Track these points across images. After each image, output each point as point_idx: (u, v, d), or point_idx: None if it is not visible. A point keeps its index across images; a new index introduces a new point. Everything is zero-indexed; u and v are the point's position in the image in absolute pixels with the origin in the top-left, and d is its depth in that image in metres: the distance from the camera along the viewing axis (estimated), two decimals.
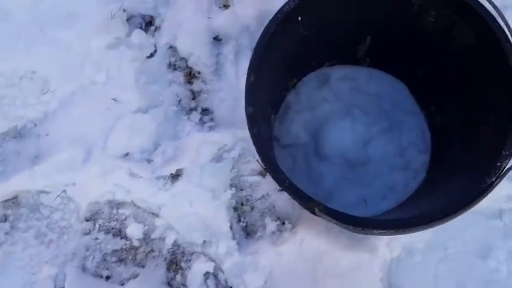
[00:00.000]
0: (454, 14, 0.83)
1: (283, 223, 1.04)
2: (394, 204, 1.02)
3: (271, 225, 1.04)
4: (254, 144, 0.75)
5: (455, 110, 0.94)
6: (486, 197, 1.01)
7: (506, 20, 0.76)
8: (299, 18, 0.84)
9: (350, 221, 0.71)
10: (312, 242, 1.01)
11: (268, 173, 0.90)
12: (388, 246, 1.01)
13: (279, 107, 1.07)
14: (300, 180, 1.02)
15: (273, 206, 1.06)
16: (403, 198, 1.02)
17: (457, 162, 0.92)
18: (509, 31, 0.76)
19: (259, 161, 0.76)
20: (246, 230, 1.05)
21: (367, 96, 1.07)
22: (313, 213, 0.72)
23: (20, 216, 1.05)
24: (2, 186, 1.06)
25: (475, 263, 1.01)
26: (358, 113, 1.05)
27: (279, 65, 0.93)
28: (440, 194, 0.90)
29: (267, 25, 0.79)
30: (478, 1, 0.79)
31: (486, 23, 0.78)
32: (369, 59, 1.06)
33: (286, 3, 0.80)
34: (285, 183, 0.73)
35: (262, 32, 0.79)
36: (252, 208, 1.06)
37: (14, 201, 1.06)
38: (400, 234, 0.71)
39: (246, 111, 0.76)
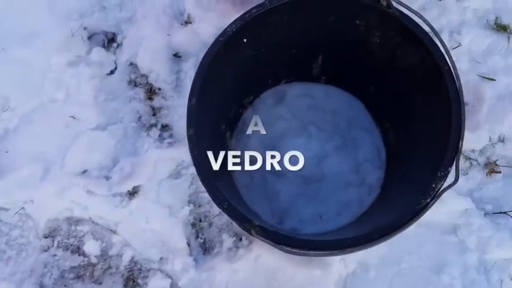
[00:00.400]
0: (396, 35, 0.84)
1: (240, 239, 1.05)
2: (349, 220, 1.03)
3: (229, 241, 1.05)
4: (194, 165, 0.76)
5: (405, 127, 0.96)
6: (442, 213, 1.04)
7: (443, 42, 0.78)
8: (244, 40, 0.85)
9: (285, 242, 0.72)
10: (267, 259, 1.02)
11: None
12: (343, 261, 1.02)
13: (236, 124, 1.08)
14: (257, 197, 1.04)
15: (231, 222, 1.06)
16: (358, 213, 1.03)
17: (406, 179, 0.93)
18: (446, 53, 0.78)
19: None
20: (204, 246, 1.06)
21: (323, 113, 1.08)
22: (251, 234, 0.73)
23: None
24: None
25: (429, 278, 1.02)
26: (313, 130, 1.06)
27: (231, 84, 0.94)
28: (391, 211, 0.91)
29: (208, 48, 0.80)
30: (417, 24, 0.80)
31: (425, 44, 0.79)
32: (324, 76, 1.07)
33: (228, 26, 0.81)
34: (224, 205, 0.74)
35: (204, 56, 0.80)
36: (210, 224, 1.07)
37: None
38: (337, 255, 0.72)
39: (187, 133, 0.77)
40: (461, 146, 0.74)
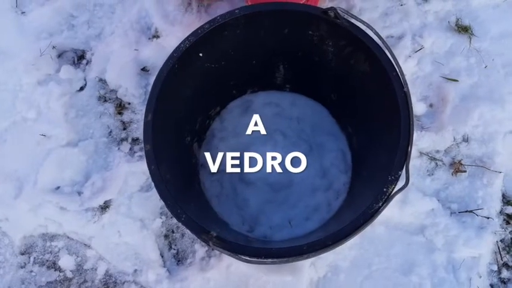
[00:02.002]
0: (347, 44, 0.86)
1: (213, 249, 1.07)
2: (318, 224, 1.05)
3: (201, 251, 1.07)
4: (152, 180, 0.78)
5: (364, 132, 0.97)
6: (408, 214, 1.06)
7: (391, 51, 0.80)
8: (200, 54, 0.87)
9: (242, 252, 0.73)
10: (238, 267, 1.03)
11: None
12: (314, 266, 1.04)
13: (204, 135, 1.10)
14: (227, 206, 1.06)
15: None
16: (327, 218, 1.05)
17: (367, 184, 0.94)
18: (393, 59, 0.80)
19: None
20: (177, 257, 1.07)
21: (289, 121, 1.10)
22: (209, 245, 0.75)
23: None
24: None
25: (399, 279, 1.03)
26: (279, 137, 1.08)
27: (192, 97, 0.96)
28: (356, 214, 0.93)
29: (163, 64, 0.82)
30: (365, 33, 0.82)
31: (373, 52, 0.81)
32: (288, 85, 1.09)
33: (181, 42, 0.83)
34: (182, 218, 0.76)
35: (158, 72, 0.82)
36: (183, 235, 1.09)
37: None
38: (292, 261, 0.73)
39: (144, 149, 0.79)
40: (411, 150, 0.76)
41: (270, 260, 0.75)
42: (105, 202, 1.08)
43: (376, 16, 1.22)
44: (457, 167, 1.09)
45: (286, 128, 1.09)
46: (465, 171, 1.09)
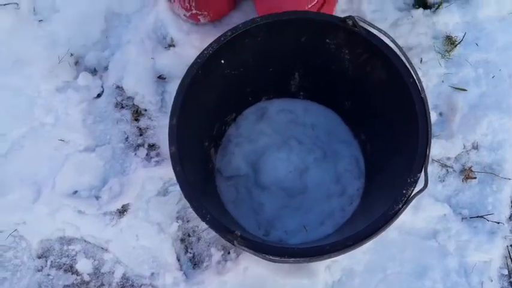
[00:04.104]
0: (364, 52, 0.89)
1: (229, 252, 1.09)
2: (332, 229, 1.07)
3: (217, 254, 1.08)
4: (177, 181, 0.80)
5: (379, 139, 1.00)
6: (421, 219, 1.08)
7: (408, 58, 0.83)
8: (222, 61, 0.90)
9: (265, 251, 0.75)
10: (255, 270, 1.05)
11: None
12: (328, 270, 1.06)
13: (221, 141, 1.12)
14: (243, 211, 1.08)
15: (219, 236, 1.10)
16: (341, 223, 1.07)
17: (382, 188, 0.97)
18: (411, 67, 0.83)
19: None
20: (194, 261, 1.09)
21: (303, 127, 1.13)
22: (234, 245, 0.77)
23: None
24: None
25: (412, 283, 1.05)
26: (294, 143, 1.11)
27: (212, 103, 0.98)
28: (370, 219, 0.95)
29: (187, 70, 0.85)
30: (382, 40, 0.85)
31: (390, 60, 0.84)
32: (302, 92, 1.12)
33: (205, 49, 0.86)
34: (206, 218, 0.78)
35: (183, 78, 0.84)
36: (199, 239, 1.10)
37: None
38: (315, 261, 0.75)
39: (169, 151, 0.81)
40: (429, 153, 0.79)
41: (292, 259, 0.76)
42: (123, 206, 1.10)
43: (386, 27, 1.25)
44: (467, 174, 1.12)
45: (301, 134, 1.12)
46: (475, 178, 1.12)
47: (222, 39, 0.87)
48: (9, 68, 1.21)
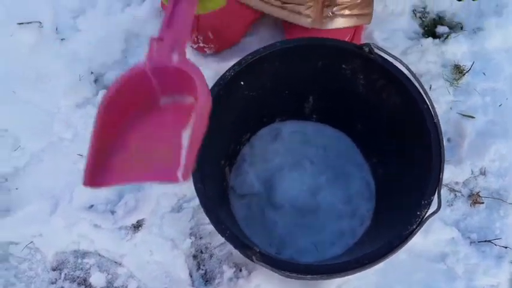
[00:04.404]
0: (379, 78, 0.93)
1: (240, 270, 1.10)
2: (342, 249, 1.09)
3: (229, 272, 1.10)
4: (198, 197, 0.83)
5: (391, 162, 1.03)
6: (430, 242, 1.10)
7: (422, 85, 0.87)
8: (242, 83, 0.94)
9: (285, 268, 0.77)
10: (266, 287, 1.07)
11: None
12: None
13: (235, 159, 1.15)
14: (255, 228, 1.10)
15: (231, 254, 1.12)
16: (351, 243, 1.09)
17: (393, 210, 0.99)
18: (424, 93, 0.86)
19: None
20: (205, 277, 1.10)
21: (315, 149, 1.16)
22: (252, 260, 0.79)
23: None
24: None
25: None
26: (307, 164, 1.14)
27: (229, 123, 1.02)
28: (381, 240, 0.97)
29: (210, 90, 0.88)
30: (397, 67, 0.89)
31: (405, 86, 0.88)
32: (315, 115, 1.15)
33: (227, 70, 0.90)
34: (226, 234, 0.80)
35: None
36: (211, 256, 1.12)
37: None
38: (331, 278, 0.78)
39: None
40: (442, 176, 0.82)
41: (310, 276, 0.79)
42: (138, 221, 1.12)
43: (397, 55, 1.29)
44: (475, 199, 1.15)
45: (314, 155, 1.15)
46: (483, 203, 1.15)
47: (243, 62, 0.91)
48: (31, 84, 1.25)
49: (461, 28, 1.34)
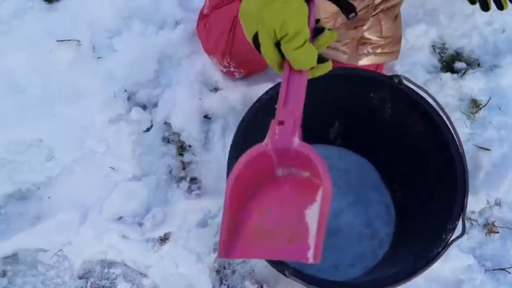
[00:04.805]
0: (406, 107, 0.98)
1: (262, 286, 1.13)
2: (362, 271, 1.12)
3: None
4: None
5: (412, 189, 1.08)
6: (447, 268, 1.14)
7: (448, 116, 0.92)
8: (275, 106, 0.99)
9: (317, 283, 0.81)
10: None
11: None
12: None
13: None
14: None
15: (253, 270, 1.15)
16: (371, 265, 1.13)
17: (414, 234, 1.04)
18: (450, 124, 0.92)
19: None
20: None
21: (337, 172, 1.21)
22: (285, 275, 0.83)
23: (18, 272, 1.13)
24: (3, 244, 1.14)
25: None
26: None
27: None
28: (400, 263, 1.01)
29: (246, 112, 0.93)
30: (425, 98, 0.95)
31: (432, 116, 0.93)
32: (339, 139, 1.20)
33: (263, 94, 0.95)
34: None
35: (242, 119, 0.93)
36: (233, 272, 1.16)
37: (13, 258, 1.14)
38: None
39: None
40: (467, 203, 0.86)
41: None
42: (165, 234, 1.16)
43: None
44: (490, 228, 1.19)
45: (337, 178, 1.19)
46: (497, 232, 1.19)
47: (278, 86, 0.96)
48: (68, 99, 1.30)
49: (478, 65, 1.40)
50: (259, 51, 0.70)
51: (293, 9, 0.64)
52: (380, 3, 1.18)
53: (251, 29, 0.69)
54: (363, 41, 1.21)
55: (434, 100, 0.93)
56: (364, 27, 1.19)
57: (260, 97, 0.97)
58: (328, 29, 0.70)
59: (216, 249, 1.16)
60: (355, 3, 1.09)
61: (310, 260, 0.65)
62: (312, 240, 0.66)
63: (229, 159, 0.91)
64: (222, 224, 0.66)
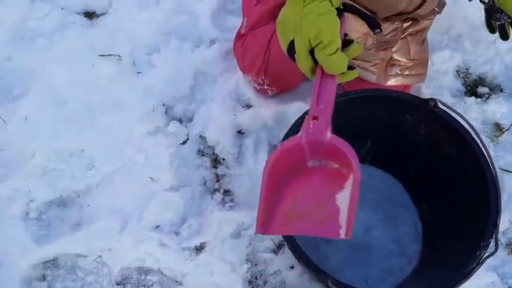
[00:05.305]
0: (440, 129, 1.04)
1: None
2: (391, 285, 1.16)
3: None
4: None
5: (442, 208, 1.12)
6: (471, 285, 1.18)
7: (482, 139, 0.97)
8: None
9: None
10: None
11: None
12: None
13: None
14: None
15: (284, 282, 1.19)
16: (399, 281, 1.17)
17: (443, 251, 1.08)
18: (483, 147, 0.97)
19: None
20: None
21: (368, 189, 1.25)
22: (327, 285, 0.87)
23: (57, 276, 1.18)
24: (44, 249, 1.19)
25: None
26: (360, 202, 1.22)
27: None
28: (429, 280, 1.06)
29: (289, 128, 0.99)
30: (459, 121, 1.00)
31: (466, 139, 0.99)
32: (369, 158, 1.25)
33: (305, 112, 1.01)
34: (303, 259, 0.89)
35: (285, 134, 0.98)
36: (265, 282, 1.20)
37: (53, 262, 1.19)
38: None
39: None
40: (499, 222, 0.91)
41: None
42: (201, 244, 1.20)
43: None
44: None
45: (367, 195, 1.24)
46: None
47: None
48: (108, 111, 1.36)
49: (501, 90, 1.46)
50: (293, 59, 0.78)
51: (328, 20, 0.74)
52: (408, 27, 1.24)
53: (288, 37, 0.78)
54: (391, 63, 1.27)
55: (469, 124, 0.98)
56: (393, 49, 1.26)
57: (300, 117, 1.02)
58: (356, 42, 0.79)
59: (248, 260, 1.21)
60: (385, 26, 1.16)
61: (342, 236, 0.75)
62: (342, 221, 0.76)
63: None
64: (259, 206, 0.76)
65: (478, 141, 0.97)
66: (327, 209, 0.76)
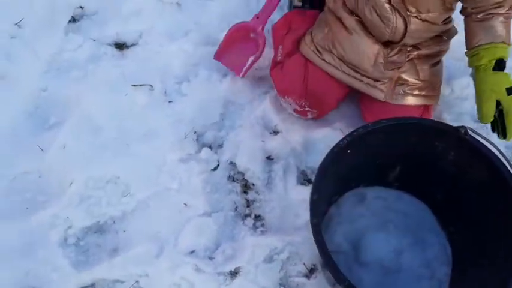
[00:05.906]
0: (470, 156, 1.07)
1: None
2: None
3: None
4: (318, 247, 0.95)
5: (470, 234, 1.15)
6: None
7: (510, 162, 1.01)
8: (348, 151, 1.08)
9: None
10: None
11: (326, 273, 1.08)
12: None
13: (323, 218, 1.28)
14: None
15: None
16: None
17: (474, 277, 1.10)
18: None
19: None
20: None
21: (396, 214, 1.29)
22: None
23: None
24: (82, 274, 1.22)
25: None
26: (391, 227, 1.26)
27: (330, 185, 1.16)
28: None
29: (325, 156, 1.02)
30: (488, 148, 1.04)
31: (495, 165, 1.02)
32: (397, 183, 1.29)
33: (340, 140, 1.05)
34: (345, 283, 0.92)
35: (322, 161, 1.01)
36: None
37: None
38: None
39: (311, 222, 0.97)
40: None
41: None
42: (235, 268, 1.23)
43: None
44: None
45: (396, 220, 1.28)
46: None
47: (354, 133, 1.06)
48: (141, 139, 1.41)
49: None
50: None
51: None
52: (412, 51, 1.29)
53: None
54: (400, 82, 1.33)
55: (499, 151, 1.02)
56: (401, 69, 1.31)
57: (338, 143, 1.06)
58: None
59: (281, 284, 1.23)
60: (392, 47, 1.25)
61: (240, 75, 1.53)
62: (244, 66, 1.52)
63: (311, 203, 0.99)
64: (221, 43, 1.53)
65: (508, 166, 1.01)
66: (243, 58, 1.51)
